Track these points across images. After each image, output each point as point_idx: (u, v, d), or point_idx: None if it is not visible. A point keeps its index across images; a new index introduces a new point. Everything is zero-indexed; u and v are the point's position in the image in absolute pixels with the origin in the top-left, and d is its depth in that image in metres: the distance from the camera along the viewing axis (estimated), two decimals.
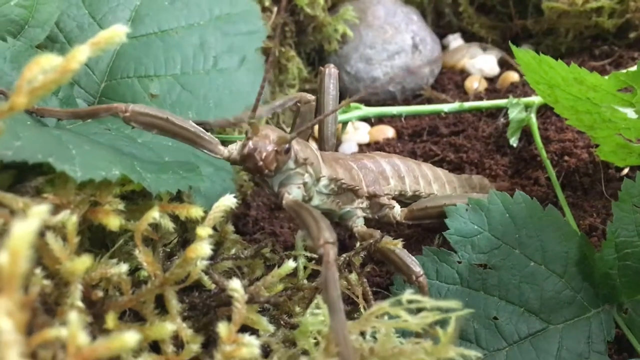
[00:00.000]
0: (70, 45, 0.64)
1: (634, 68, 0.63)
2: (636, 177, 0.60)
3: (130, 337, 0.31)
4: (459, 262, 0.62)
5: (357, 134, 1.05)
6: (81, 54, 0.38)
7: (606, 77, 0.64)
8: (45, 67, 0.40)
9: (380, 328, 0.43)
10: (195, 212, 0.49)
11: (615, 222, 0.60)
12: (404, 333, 0.50)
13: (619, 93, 0.65)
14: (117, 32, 0.40)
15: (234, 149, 0.58)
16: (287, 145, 0.56)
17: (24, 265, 0.27)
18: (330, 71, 0.71)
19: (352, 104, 0.91)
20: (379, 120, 1.07)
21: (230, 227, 0.57)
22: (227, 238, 0.54)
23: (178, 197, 0.58)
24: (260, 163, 0.55)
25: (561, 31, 1.14)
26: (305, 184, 0.60)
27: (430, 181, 0.72)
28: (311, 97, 0.70)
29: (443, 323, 0.44)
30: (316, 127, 0.80)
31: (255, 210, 0.92)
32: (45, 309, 0.38)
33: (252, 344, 0.40)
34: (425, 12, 1.24)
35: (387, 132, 1.04)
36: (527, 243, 0.62)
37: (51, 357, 0.33)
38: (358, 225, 0.65)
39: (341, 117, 0.90)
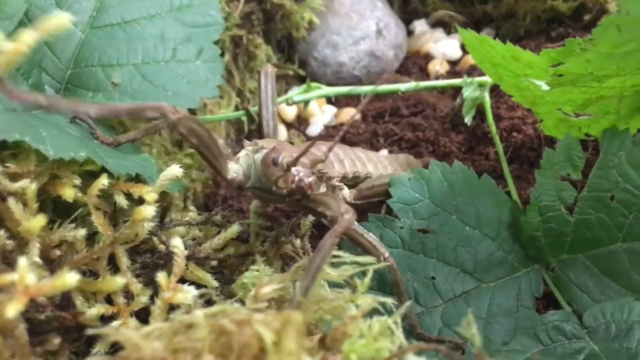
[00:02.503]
0: None
1: None
2: (557, 147, 0.65)
3: (71, 277, 0.36)
4: (402, 228, 0.67)
5: (324, 116, 1.11)
6: (29, 37, 0.44)
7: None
8: None
9: None
10: (146, 191, 0.54)
11: (538, 188, 0.66)
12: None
13: (552, 69, 0.70)
14: (62, 19, 0.46)
15: (239, 170, 0.62)
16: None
17: None
18: (267, 71, 0.76)
19: (313, 84, 0.96)
20: (346, 103, 1.13)
21: (175, 193, 0.62)
22: (172, 203, 0.60)
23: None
24: (309, 192, 0.60)
25: (520, 15, 1.18)
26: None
27: (365, 162, 0.76)
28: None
29: (362, 275, 0.50)
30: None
31: (224, 189, 0.98)
32: (6, 263, 0.44)
33: (186, 291, 0.46)
34: None
35: (352, 114, 1.10)
36: (464, 209, 0.68)
37: (8, 299, 0.38)
38: None
39: (301, 96, 0.95)
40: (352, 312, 0.43)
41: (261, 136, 0.76)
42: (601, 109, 0.74)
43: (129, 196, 0.56)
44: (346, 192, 0.71)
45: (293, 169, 0.58)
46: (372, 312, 0.49)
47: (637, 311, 0.60)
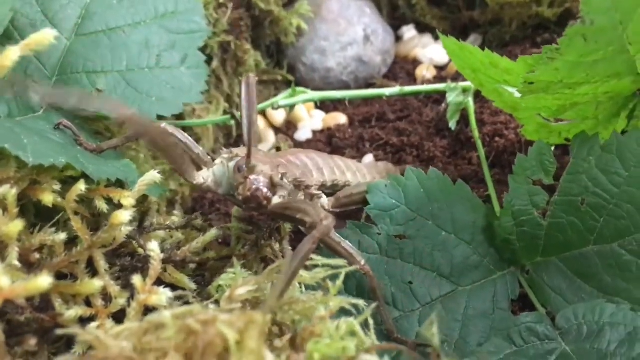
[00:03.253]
0: None
1: None
2: (529, 152, 0.67)
3: (44, 280, 0.38)
4: (379, 234, 0.68)
5: (312, 121, 1.12)
6: (13, 54, 0.46)
7: None
8: None
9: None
10: (124, 196, 0.56)
11: (511, 193, 0.67)
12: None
13: (523, 76, 0.72)
14: (47, 35, 0.47)
15: (208, 176, 0.64)
16: (280, 176, 0.62)
17: None
18: (248, 81, 0.77)
19: (298, 89, 0.98)
20: (334, 107, 1.15)
21: (153, 198, 0.64)
22: (151, 207, 0.61)
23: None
24: (265, 202, 0.60)
25: (506, 21, 1.20)
26: (284, 195, 0.65)
27: (344, 170, 0.77)
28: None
29: (334, 278, 0.52)
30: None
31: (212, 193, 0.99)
32: None
33: (162, 293, 0.47)
34: (380, 4, 1.30)
35: (340, 118, 1.11)
36: (439, 215, 0.69)
37: None
38: None
39: (287, 101, 0.96)
40: (321, 313, 0.44)
41: (243, 143, 0.77)
42: (579, 114, 0.75)
43: (109, 201, 0.58)
44: (324, 201, 0.72)
45: (252, 178, 0.59)
46: (345, 314, 0.51)
47: (609, 313, 0.62)
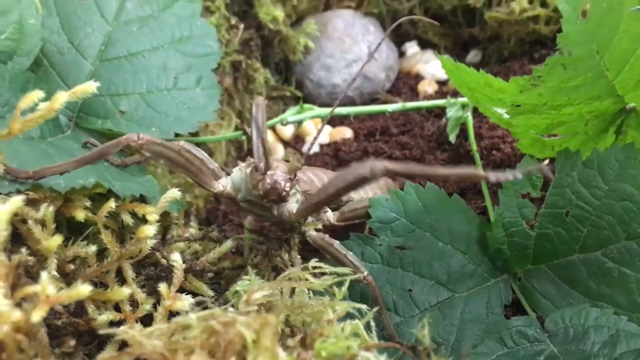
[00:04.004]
0: (53, 68, 0.76)
1: None
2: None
3: (84, 288, 0.44)
4: (381, 245, 0.73)
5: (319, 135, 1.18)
6: (62, 98, 0.52)
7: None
8: (35, 100, 0.54)
9: (289, 287, 0.56)
10: (148, 212, 0.62)
11: (502, 206, 0.72)
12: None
13: (509, 100, 0.76)
14: (90, 86, 0.55)
15: (227, 184, 0.69)
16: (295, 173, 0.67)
17: (4, 234, 0.40)
18: (258, 102, 0.83)
19: (306, 106, 1.04)
20: (340, 122, 1.20)
21: (174, 214, 0.69)
22: (172, 222, 0.67)
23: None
24: (284, 193, 0.65)
25: (504, 37, 1.25)
26: (297, 199, 0.70)
27: None
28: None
29: (340, 284, 0.57)
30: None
31: (225, 204, 1.05)
32: (28, 276, 0.51)
33: (184, 299, 0.53)
34: (384, 22, 1.36)
35: (346, 133, 1.17)
36: (437, 226, 0.74)
37: (32, 307, 0.45)
38: (310, 229, 0.74)
39: (295, 117, 1.02)
40: (329, 316, 0.50)
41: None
42: (570, 130, 0.80)
43: (134, 215, 0.64)
44: (330, 214, 0.76)
45: (270, 172, 0.64)
46: (350, 318, 0.56)
47: (593, 316, 0.66)
